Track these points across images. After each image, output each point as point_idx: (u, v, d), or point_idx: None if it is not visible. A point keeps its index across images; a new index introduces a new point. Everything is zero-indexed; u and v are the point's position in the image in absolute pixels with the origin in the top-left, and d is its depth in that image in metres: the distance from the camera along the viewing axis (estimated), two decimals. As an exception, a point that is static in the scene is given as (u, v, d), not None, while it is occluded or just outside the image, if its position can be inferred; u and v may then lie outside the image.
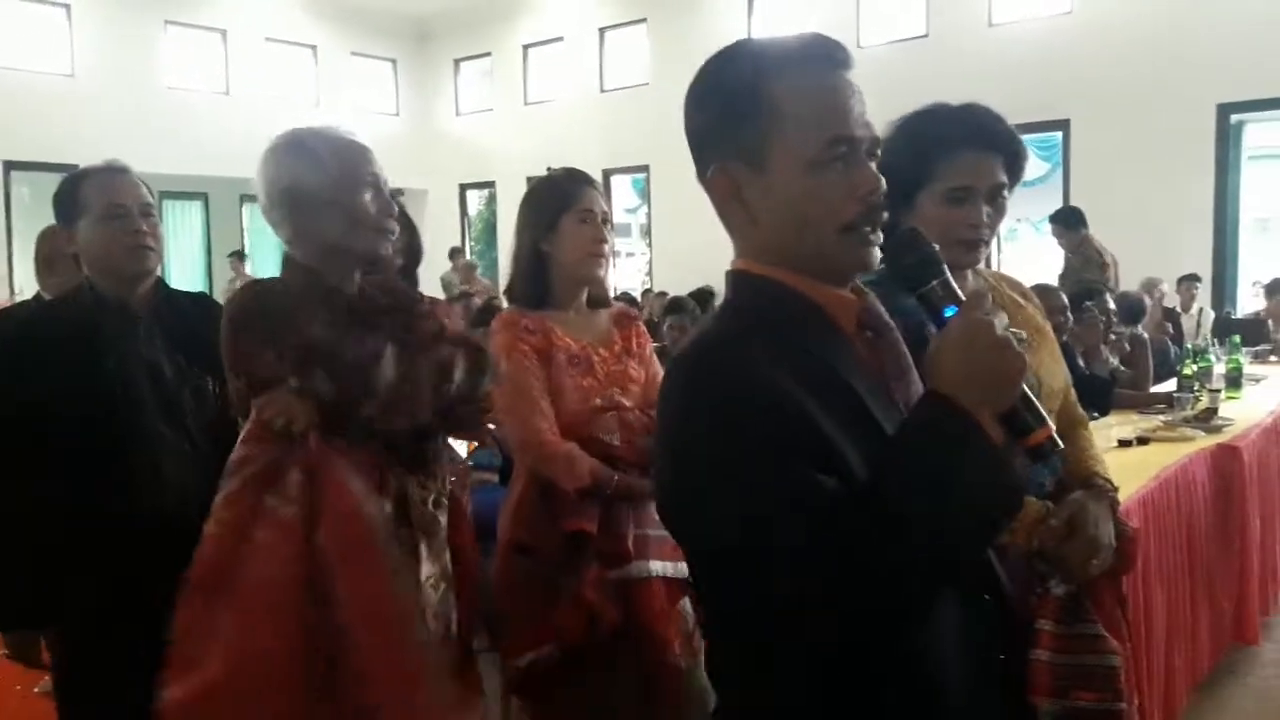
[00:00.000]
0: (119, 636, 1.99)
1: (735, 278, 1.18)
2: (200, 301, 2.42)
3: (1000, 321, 1.03)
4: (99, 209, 2.19)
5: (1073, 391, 2.07)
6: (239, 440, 1.80)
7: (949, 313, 1.08)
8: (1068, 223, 6.90)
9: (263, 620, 1.65)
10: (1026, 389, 1.04)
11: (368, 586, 1.68)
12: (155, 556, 1.93)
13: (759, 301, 1.14)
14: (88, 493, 2.05)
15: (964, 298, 1.08)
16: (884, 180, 1.12)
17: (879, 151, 1.13)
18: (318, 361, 1.72)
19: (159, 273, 2.30)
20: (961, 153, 1.75)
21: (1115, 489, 1.95)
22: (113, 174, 2.27)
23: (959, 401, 1.00)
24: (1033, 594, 1.76)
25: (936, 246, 1.13)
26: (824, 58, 1.12)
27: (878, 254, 1.13)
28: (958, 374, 1.01)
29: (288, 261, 1.89)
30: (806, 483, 0.99)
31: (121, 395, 2.09)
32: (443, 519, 1.96)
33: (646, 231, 14.16)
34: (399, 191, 2.14)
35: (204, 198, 14.68)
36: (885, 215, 1.12)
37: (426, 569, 1.88)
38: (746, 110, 1.10)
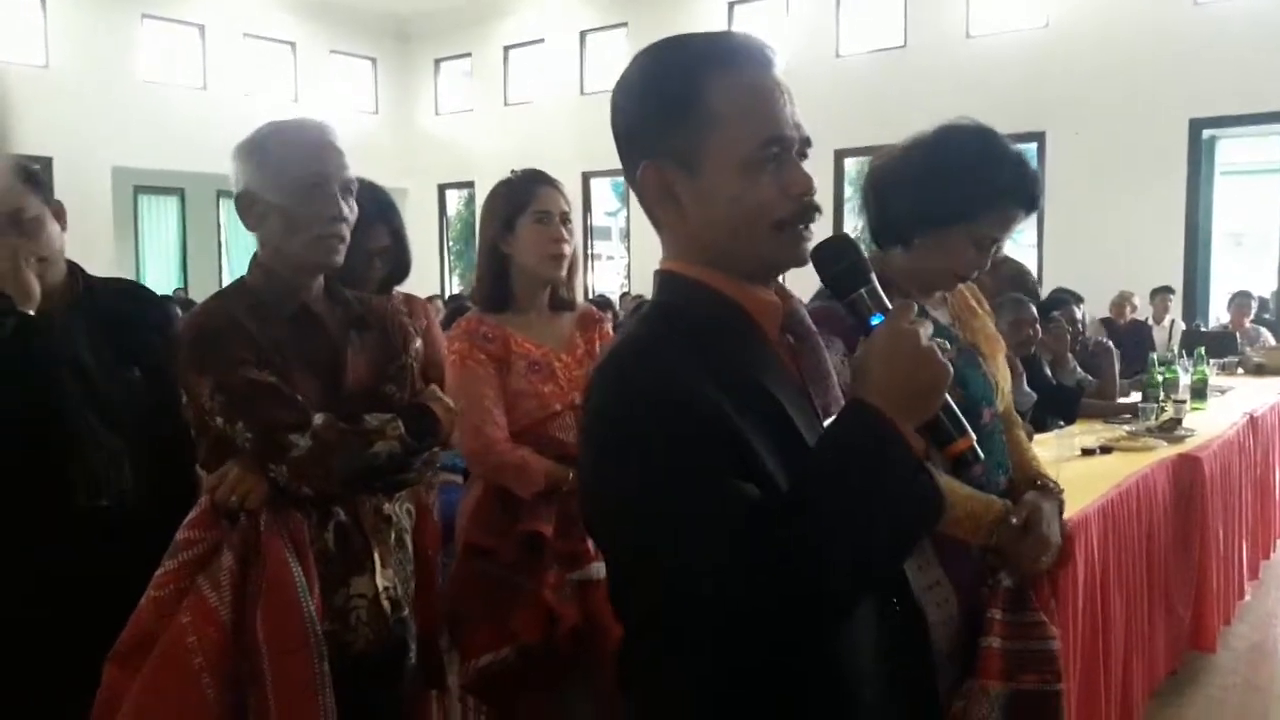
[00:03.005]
0: (53, 638, 1.93)
1: (663, 279, 1.17)
2: (125, 291, 2.27)
3: (925, 330, 1.03)
4: None
5: (1010, 395, 2.17)
6: (186, 522, 1.75)
7: (875, 320, 1.08)
8: None
9: (165, 699, 1.63)
10: (949, 399, 1.05)
11: (293, 682, 1.66)
12: (93, 554, 1.89)
13: (685, 305, 1.13)
14: (17, 495, 1.94)
15: (890, 306, 1.08)
16: (815, 180, 1.12)
17: (809, 152, 1.13)
18: (239, 411, 1.70)
19: (61, 268, 2.06)
20: (1007, 207, 1.82)
21: (1061, 489, 2.05)
22: None
23: (882, 410, 1.00)
24: (985, 585, 1.87)
25: (865, 252, 1.13)
26: (755, 57, 1.12)
27: (808, 250, 1.13)
28: (881, 382, 1.01)
29: (252, 262, 1.88)
30: (728, 493, 0.98)
31: (39, 396, 1.96)
32: (397, 519, 1.94)
33: (625, 235, 14.17)
34: (373, 189, 2.08)
35: (180, 193, 14.58)
36: (819, 214, 1.12)
37: (382, 580, 1.86)
38: (678, 110, 1.10)
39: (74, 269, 2.13)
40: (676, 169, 1.11)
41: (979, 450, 1.07)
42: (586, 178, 13.39)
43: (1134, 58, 9.95)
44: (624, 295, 12.09)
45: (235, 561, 1.68)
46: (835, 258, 1.11)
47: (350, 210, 1.83)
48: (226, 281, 13.85)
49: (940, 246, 1.83)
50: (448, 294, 14.27)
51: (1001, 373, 2.03)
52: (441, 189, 15.95)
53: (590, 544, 2.32)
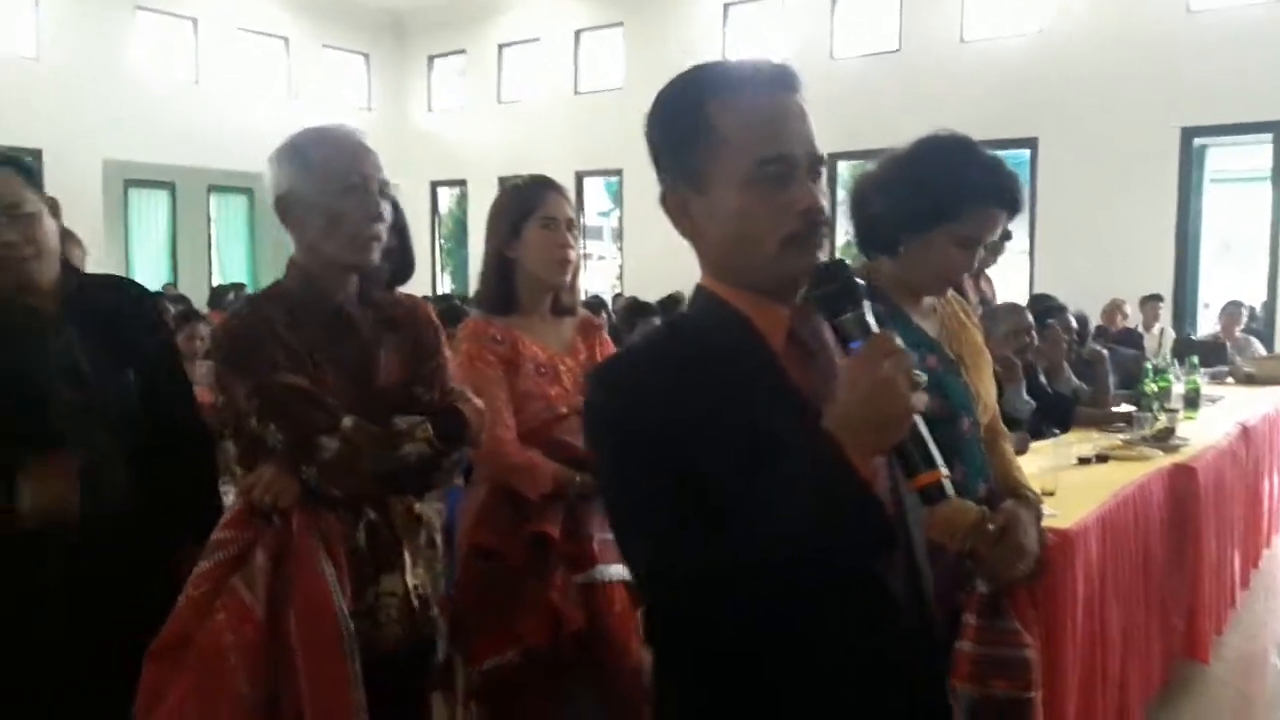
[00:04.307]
0: (55, 638, 1.92)
1: (694, 291, 1.25)
2: (119, 289, 2.22)
3: (897, 362, 1.04)
4: None
5: (994, 407, 2.21)
6: (221, 522, 1.79)
7: (855, 346, 1.10)
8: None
9: (203, 696, 1.66)
10: (922, 430, 1.06)
11: (326, 679, 1.69)
12: (88, 555, 1.88)
13: (696, 318, 1.22)
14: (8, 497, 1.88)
15: (875, 333, 1.10)
16: (824, 199, 1.17)
17: (822, 169, 1.18)
18: (273, 414, 1.74)
19: (55, 268, 2.01)
20: (987, 205, 1.88)
21: (1040, 500, 2.10)
22: None
23: (835, 436, 1.04)
24: (961, 590, 1.89)
25: (860, 281, 1.15)
26: (765, 81, 1.17)
27: (816, 261, 1.17)
28: (841, 409, 1.05)
29: (289, 265, 1.91)
30: (671, 494, 1.09)
31: (23, 401, 1.92)
32: (428, 518, 1.98)
33: (618, 235, 14.16)
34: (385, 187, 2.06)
35: (171, 187, 14.50)
36: (826, 228, 1.17)
37: (412, 578, 1.89)
38: (687, 133, 1.17)
39: (67, 267, 2.09)
40: (690, 190, 1.19)
41: (947, 486, 1.08)
42: (580, 177, 13.38)
43: (1127, 65, 9.99)
44: (616, 296, 12.08)
45: (268, 560, 1.71)
46: (828, 279, 1.15)
47: (384, 210, 1.87)
48: (216, 276, 13.68)
49: (925, 250, 1.89)
50: (438, 291, 14.25)
51: (985, 385, 2.07)
52: (434, 186, 15.92)
53: (595, 546, 2.33)
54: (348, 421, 1.76)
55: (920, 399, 1.05)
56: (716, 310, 1.20)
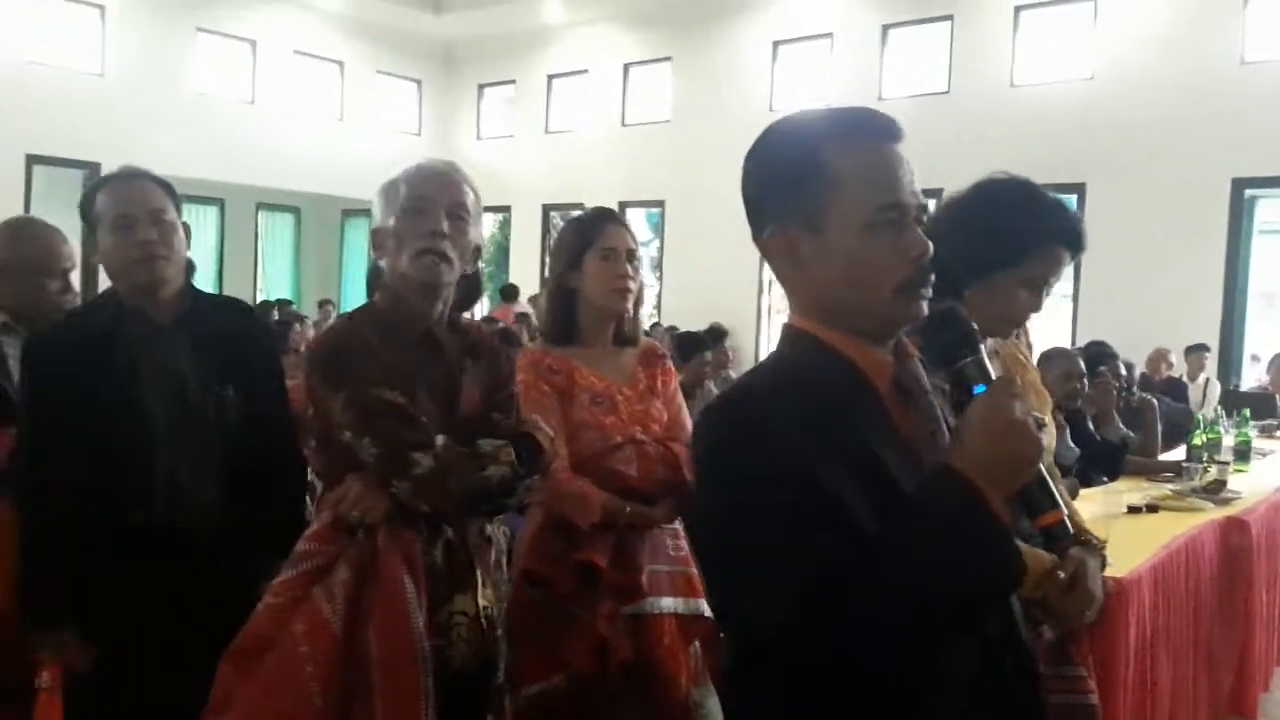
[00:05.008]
0: (128, 645, 1.98)
1: (787, 332, 1.26)
2: (232, 307, 2.39)
3: (1023, 405, 1.08)
4: (109, 220, 2.15)
5: (1052, 450, 2.22)
6: (307, 534, 1.83)
7: (978, 391, 1.13)
8: None
9: (275, 702, 1.70)
10: (1045, 472, 1.09)
11: (400, 696, 1.72)
12: (168, 560, 1.95)
13: (801, 358, 1.21)
14: (96, 502, 2.01)
15: (994, 378, 1.14)
16: (933, 245, 1.19)
17: (925, 219, 1.21)
18: (368, 427, 1.78)
19: (180, 279, 2.23)
20: (1055, 246, 1.89)
21: (1103, 545, 2.09)
22: (124, 181, 2.21)
23: (971, 476, 1.05)
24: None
25: (975, 325, 1.19)
26: (879, 128, 1.21)
27: (923, 309, 1.19)
28: (976, 451, 1.07)
29: (382, 287, 1.97)
30: (810, 539, 1.06)
31: (127, 405, 2.05)
32: (497, 541, 2.02)
33: (657, 265, 14.23)
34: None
35: (220, 204, 14.75)
36: (933, 276, 1.19)
37: (483, 599, 1.93)
38: (806, 176, 1.18)
39: (189, 284, 2.25)
40: (801, 230, 1.20)
41: (1070, 525, 1.11)
42: (622, 207, 13.47)
43: (1178, 115, 9.93)
44: (654, 325, 12.10)
45: (351, 575, 1.74)
46: (947, 326, 1.18)
47: (456, 231, 1.90)
48: (260, 293, 13.85)
49: (991, 294, 1.89)
50: (479, 315, 14.36)
51: (1047, 428, 2.07)
52: (478, 211, 16.07)
53: (644, 579, 2.34)
54: (440, 440, 1.79)
55: (1046, 439, 1.07)
56: (819, 353, 1.20)
